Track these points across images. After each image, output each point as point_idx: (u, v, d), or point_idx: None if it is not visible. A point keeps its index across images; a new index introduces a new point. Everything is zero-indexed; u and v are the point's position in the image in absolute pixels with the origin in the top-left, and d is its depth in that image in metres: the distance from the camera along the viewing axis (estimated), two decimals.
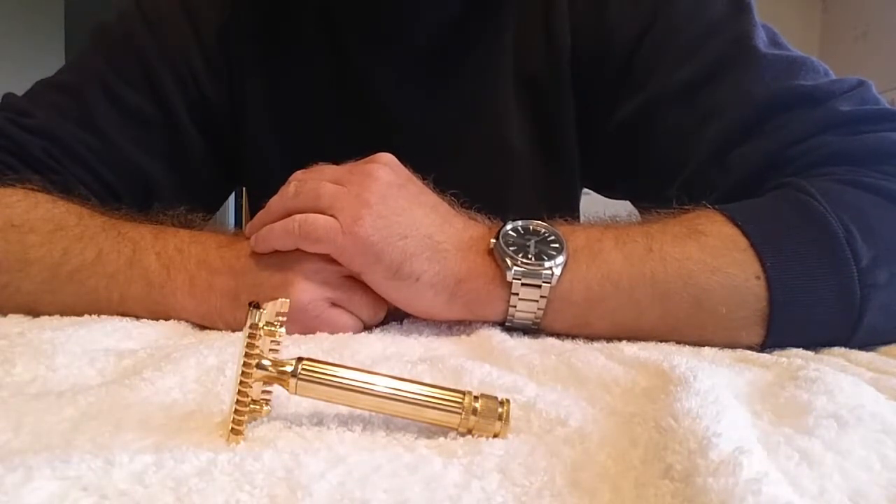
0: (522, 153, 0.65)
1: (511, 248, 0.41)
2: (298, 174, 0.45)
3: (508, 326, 0.43)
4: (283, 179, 0.45)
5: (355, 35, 0.64)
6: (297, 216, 0.41)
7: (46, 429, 0.25)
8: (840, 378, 0.31)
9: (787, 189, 0.45)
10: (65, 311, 0.45)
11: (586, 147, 0.65)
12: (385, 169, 0.43)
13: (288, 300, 0.28)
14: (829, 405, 0.28)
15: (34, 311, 0.46)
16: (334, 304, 0.43)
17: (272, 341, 0.26)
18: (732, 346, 0.41)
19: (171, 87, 0.62)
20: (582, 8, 0.61)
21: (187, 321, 0.45)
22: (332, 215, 0.41)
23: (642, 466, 0.22)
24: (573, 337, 0.43)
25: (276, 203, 0.44)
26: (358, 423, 0.26)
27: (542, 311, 0.42)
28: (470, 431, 0.26)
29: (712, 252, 0.41)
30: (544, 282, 0.41)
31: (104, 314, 0.45)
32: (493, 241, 0.42)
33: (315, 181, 0.43)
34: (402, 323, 0.46)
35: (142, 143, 0.61)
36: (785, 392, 0.30)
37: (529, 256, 0.41)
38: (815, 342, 0.42)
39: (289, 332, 0.42)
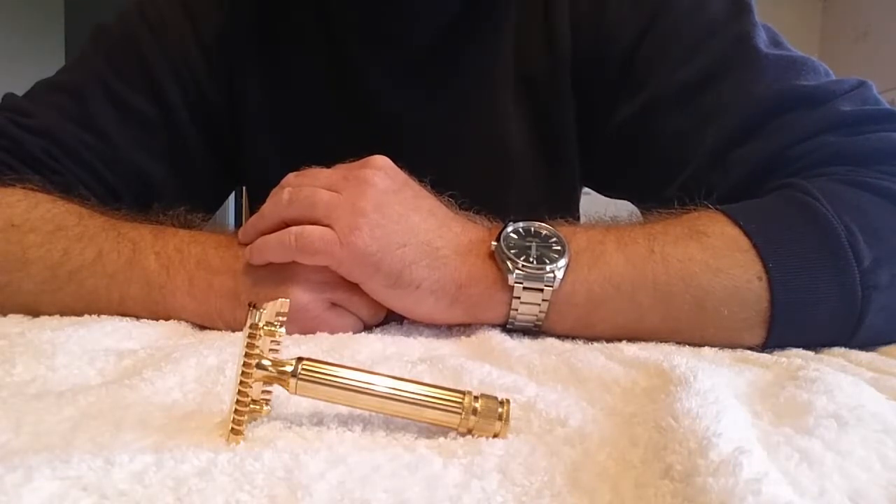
0: (522, 153, 0.64)
1: (512, 252, 0.41)
2: (291, 178, 0.44)
3: (509, 328, 0.43)
4: (281, 180, 0.45)
5: (354, 35, 0.64)
6: (293, 228, 0.41)
7: (46, 429, 0.25)
8: (840, 378, 0.31)
9: (788, 189, 0.44)
10: (65, 311, 0.45)
11: (586, 147, 0.65)
12: (380, 174, 0.43)
13: (288, 300, 0.28)
14: (829, 405, 0.28)
15: (34, 311, 0.46)
16: (334, 304, 0.43)
17: (272, 341, 0.26)
18: (733, 347, 0.41)
19: (171, 87, 0.62)
20: (582, 8, 0.60)
21: (187, 321, 0.45)
22: (327, 225, 0.41)
23: (642, 466, 0.22)
24: (573, 337, 0.43)
25: (269, 210, 0.43)
26: (358, 423, 0.26)
27: (543, 314, 0.42)
28: (470, 431, 0.26)
29: (714, 253, 0.41)
30: (546, 285, 0.40)
31: (104, 314, 0.45)
32: (493, 243, 0.42)
33: (309, 188, 0.42)
34: (402, 323, 0.46)
35: (142, 144, 0.61)
36: (785, 392, 0.30)
37: (531, 259, 0.41)
38: (816, 342, 0.42)
39: (289, 333, 0.42)
